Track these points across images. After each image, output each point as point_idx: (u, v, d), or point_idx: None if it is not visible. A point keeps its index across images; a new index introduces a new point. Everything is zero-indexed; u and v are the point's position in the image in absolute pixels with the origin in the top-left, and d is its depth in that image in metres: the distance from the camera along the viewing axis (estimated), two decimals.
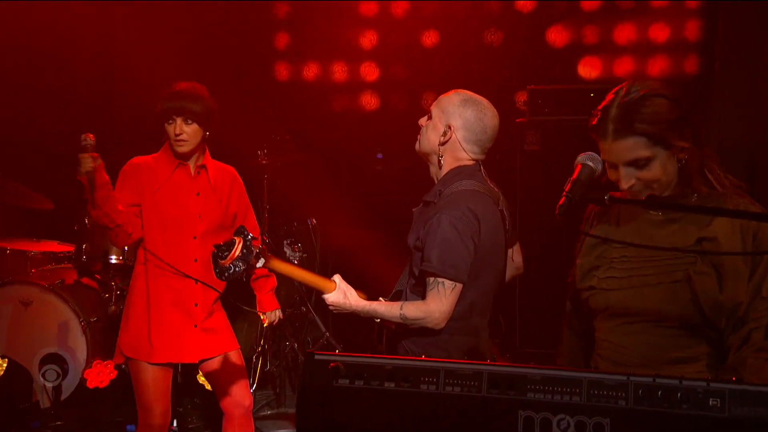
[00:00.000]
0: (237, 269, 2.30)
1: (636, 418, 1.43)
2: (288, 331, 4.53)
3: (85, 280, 4.34)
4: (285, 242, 4.52)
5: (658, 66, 5.88)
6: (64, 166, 4.66)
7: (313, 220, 4.68)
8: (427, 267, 2.38)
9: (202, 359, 3.07)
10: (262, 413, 4.24)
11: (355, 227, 5.34)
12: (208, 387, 3.66)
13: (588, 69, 6.06)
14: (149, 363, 2.99)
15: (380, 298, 2.51)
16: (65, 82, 5.56)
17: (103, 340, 4.09)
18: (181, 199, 2.99)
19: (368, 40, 6.22)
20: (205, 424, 3.87)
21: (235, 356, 3.15)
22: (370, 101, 6.31)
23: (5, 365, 3.86)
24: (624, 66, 6.06)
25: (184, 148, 2.94)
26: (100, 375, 3.82)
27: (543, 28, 5.95)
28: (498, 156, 5.66)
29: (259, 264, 2.34)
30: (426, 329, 2.36)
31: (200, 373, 3.70)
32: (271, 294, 3.33)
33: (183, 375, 4.00)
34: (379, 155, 5.72)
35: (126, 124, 5.80)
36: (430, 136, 2.55)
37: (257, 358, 4.35)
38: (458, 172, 2.50)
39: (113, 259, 4.12)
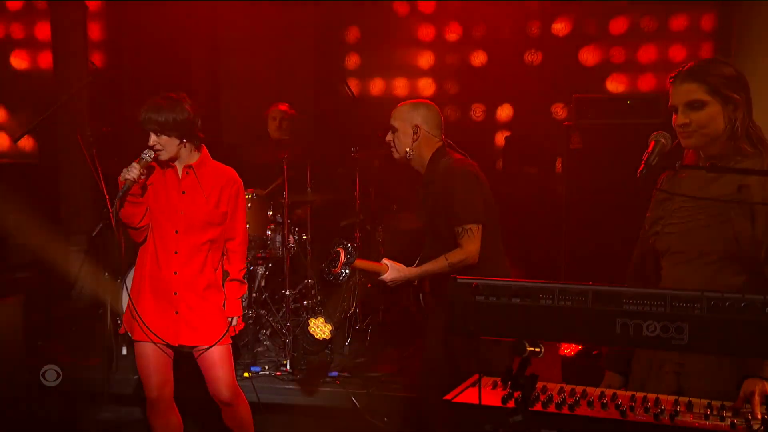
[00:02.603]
0: (347, 272, 2.62)
1: (709, 322, 1.63)
2: (375, 296, 4.80)
3: None
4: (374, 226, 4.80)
5: None
6: None
7: (395, 206, 4.95)
8: (455, 221, 2.71)
9: (183, 345, 2.94)
10: (357, 360, 4.43)
11: (418, 214, 5.59)
12: (318, 336, 3.94)
13: (615, 84, 6.24)
14: (137, 341, 2.94)
15: (414, 266, 2.82)
16: (185, 79, 5.90)
17: None
18: (168, 197, 2.89)
19: (425, 60, 6.45)
20: (312, 368, 4.11)
21: (216, 351, 2.95)
22: None
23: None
24: (647, 82, 6.20)
25: (161, 157, 2.83)
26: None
27: (576, 49, 6.14)
28: (543, 155, 5.91)
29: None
30: (460, 271, 2.65)
31: (310, 324, 3.98)
32: (239, 301, 3.08)
33: (296, 324, 4.29)
34: None
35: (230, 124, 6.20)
36: (403, 141, 2.88)
37: (350, 319, 4.63)
38: (439, 152, 2.85)
39: None
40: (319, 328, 3.97)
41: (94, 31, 6.23)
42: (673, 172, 2.14)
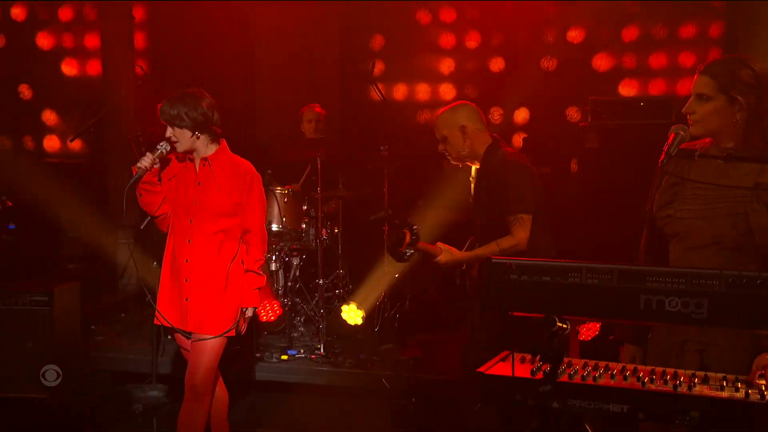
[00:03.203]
0: (411, 252, 2.69)
1: (727, 298, 1.66)
2: (404, 286, 4.87)
3: None
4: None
5: (686, 88, 6.02)
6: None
7: (420, 201, 5.02)
8: (508, 210, 2.75)
9: (190, 331, 2.90)
10: (385, 346, 4.48)
11: (441, 209, 5.65)
12: (350, 322, 4.02)
13: (627, 89, 6.26)
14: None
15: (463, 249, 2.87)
16: (222, 81, 5.98)
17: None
18: (185, 188, 2.91)
19: (446, 66, 6.49)
20: (344, 352, 4.22)
21: (209, 342, 2.86)
22: None
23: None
24: (657, 87, 6.20)
25: (177, 149, 2.85)
26: (268, 313, 4.25)
27: (590, 56, 6.16)
28: (557, 156, 5.96)
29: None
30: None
31: (343, 311, 4.07)
32: (256, 292, 2.97)
33: (329, 311, 4.38)
34: None
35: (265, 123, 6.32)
36: (456, 145, 2.87)
37: (379, 307, 4.70)
38: (492, 147, 2.86)
39: (274, 227, 4.42)
40: (352, 315, 4.05)
41: (138, 40, 6.39)
42: (681, 159, 2.12)
